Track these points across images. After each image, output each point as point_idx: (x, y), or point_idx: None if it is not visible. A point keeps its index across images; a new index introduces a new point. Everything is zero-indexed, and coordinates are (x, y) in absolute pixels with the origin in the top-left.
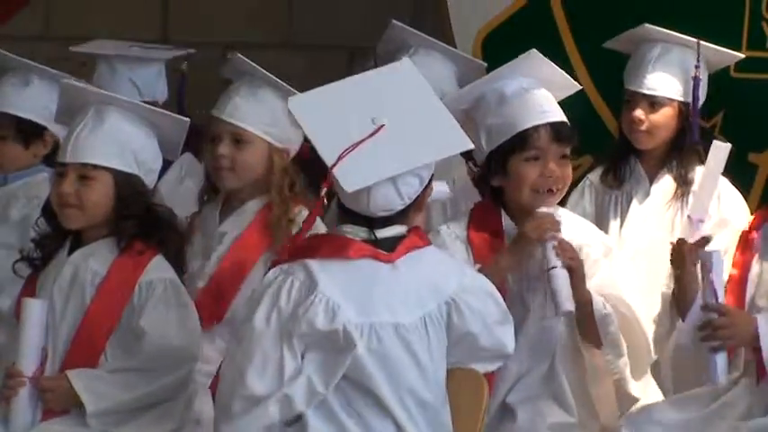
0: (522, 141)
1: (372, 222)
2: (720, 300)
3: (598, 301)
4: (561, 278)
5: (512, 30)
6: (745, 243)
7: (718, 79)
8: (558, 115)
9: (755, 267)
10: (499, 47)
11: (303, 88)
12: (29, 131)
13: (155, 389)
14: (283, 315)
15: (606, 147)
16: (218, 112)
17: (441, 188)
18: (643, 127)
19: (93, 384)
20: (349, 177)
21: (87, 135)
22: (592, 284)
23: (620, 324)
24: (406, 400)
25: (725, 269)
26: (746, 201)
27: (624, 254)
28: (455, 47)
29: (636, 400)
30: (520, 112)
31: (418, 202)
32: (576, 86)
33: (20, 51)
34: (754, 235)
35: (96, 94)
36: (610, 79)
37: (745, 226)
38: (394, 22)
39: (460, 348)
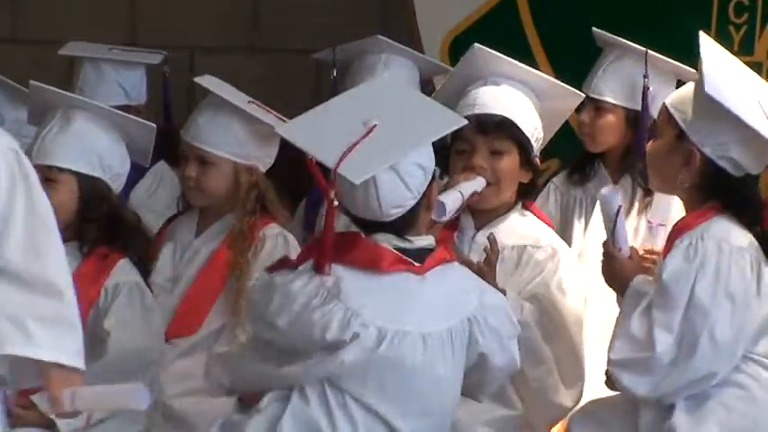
0: (453, 135)
1: (396, 230)
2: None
3: (511, 305)
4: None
5: (479, 34)
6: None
7: (684, 83)
8: (491, 108)
9: None
10: (466, 51)
11: (268, 92)
12: None
13: None
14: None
15: (572, 150)
16: (184, 134)
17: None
18: (586, 130)
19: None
20: (354, 171)
21: (53, 137)
22: (529, 287)
23: (546, 330)
24: (409, 407)
25: None
26: None
27: (588, 256)
28: (422, 51)
29: (567, 408)
30: (459, 108)
31: (427, 199)
32: (539, 74)
33: None
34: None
35: (64, 96)
36: (576, 81)
37: None
38: (378, 37)
39: (476, 370)
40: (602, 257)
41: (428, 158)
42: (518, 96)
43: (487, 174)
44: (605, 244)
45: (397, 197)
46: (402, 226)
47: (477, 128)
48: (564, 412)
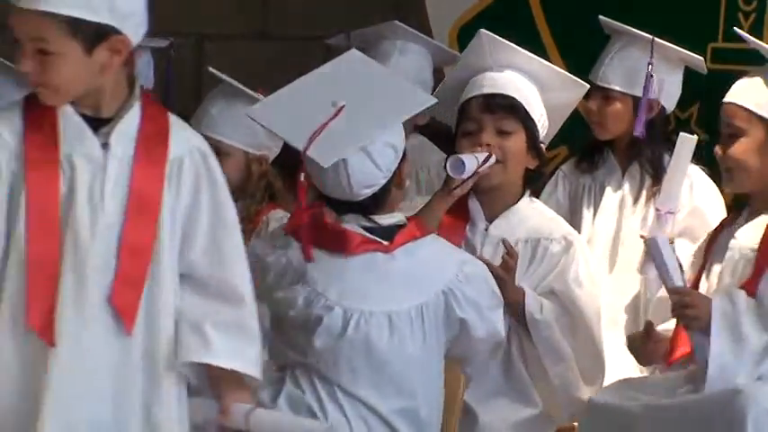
0: (460, 116)
1: (366, 209)
2: (679, 282)
3: (531, 305)
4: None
5: (487, 22)
6: (706, 250)
7: (694, 71)
8: (497, 88)
9: (705, 276)
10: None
11: (278, 78)
12: None
13: None
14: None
15: (581, 138)
16: (196, 125)
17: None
18: (595, 118)
19: None
20: (323, 154)
21: None
22: (545, 282)
23: (565, 326)
24: (385, 389)
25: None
26: (721, 191)
27: (597, 243)
28: (432, 37)
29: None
30: (465, 92)
31: (398, 176)
32: (544, 63)
33: None
34: (713, 242)
35: None
36: (585, 70)
37: (719, 216)
38: (395, 22)
39: (459, 341)
40: (672, 305)
41: (398, 137)
42: (524, 82)
43: (495, 151)
44: (670, 291)
45: (367, 177)
46: (373, 204)
47: (484, 107)
48: (585, 408)
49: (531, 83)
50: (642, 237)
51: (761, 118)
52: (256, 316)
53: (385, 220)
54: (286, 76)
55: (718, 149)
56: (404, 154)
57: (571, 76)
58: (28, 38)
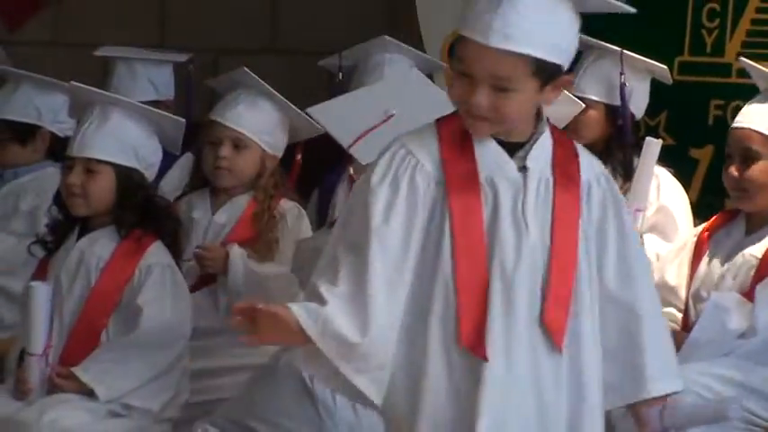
0: None
1: None
2: None
3: None
4: None
5: None
6: (699, 246)
7: (662, 82)
8: None
9: (703, 268)
10: None
11: (287, 90)
12: (22, 131)
13: (155, 369)
14: None
15: None
16: (221, 118)
17: None
18: (571, 125)
19: (101, 376)
20: (364, 154)
21: (93, 132)
22: None
23: None
24: None
25: (662, 249)
26: (688, 191)
27: None
28: (423, 50)
29: None
30: None
31: None
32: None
33: (31, 56)
34: (706, 239)
35: (101, 94)
36: None
37: (684, 213)
38: (386, 37)
39: None
40: None
41: None
42: None
43: None
44: None
45: None
46: None
47: None
48: None
49: None
50: None
51: None
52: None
53: None
54: (293, 88)
55: (733, 171)
56: None
57: (569, 94)
58: (488, 74)
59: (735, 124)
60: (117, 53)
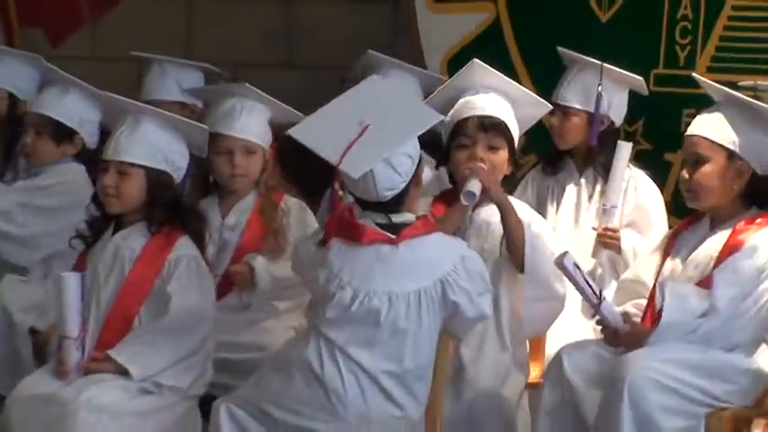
0: (456, 132)
1: (388, 206)
2: (592, 297)
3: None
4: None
5: (472, 53)
6: (668, 243)
7: (639, 92)
8: (489, 111)
9: (669, 261)
10: (462, 66)
11: (302, 102)
12: (62, 132)
13: (183, 351)
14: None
15: (547, 147)
16: (229, 130)
17: (425, 173)
18: (556, 131)
19: (134, 357)
20: (353, 167)
21: (125, 138)
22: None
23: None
24: (376, 353)
25: (642, 243)
26: (663, 191)
27: (558, 230)
28: (425, 66)
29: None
30: (458, 110)
31: (416, 178)
32: (518, 86)
33: (71, 69)
34: (675, 237)
35: (132, 104)
36: (549, 91)
37: (659, 210)
38: (369, 51)
39: (454, 321)
40: (606, 338)
41: (414, 148)
42: (504, 104)
43: (486, 164)
44: (604, 331)
45: (390, 183)
46: (394, 202)
47: (479, 126)
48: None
49: (508, 102)
50: (594, 228)
51: (722, 147)
52: None
53: (398, 218)
54: (307, 99)
55: (684, 173)
56: (420, 159)
57: (537, 96)
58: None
59: (687, 132)
60: (151, 54)
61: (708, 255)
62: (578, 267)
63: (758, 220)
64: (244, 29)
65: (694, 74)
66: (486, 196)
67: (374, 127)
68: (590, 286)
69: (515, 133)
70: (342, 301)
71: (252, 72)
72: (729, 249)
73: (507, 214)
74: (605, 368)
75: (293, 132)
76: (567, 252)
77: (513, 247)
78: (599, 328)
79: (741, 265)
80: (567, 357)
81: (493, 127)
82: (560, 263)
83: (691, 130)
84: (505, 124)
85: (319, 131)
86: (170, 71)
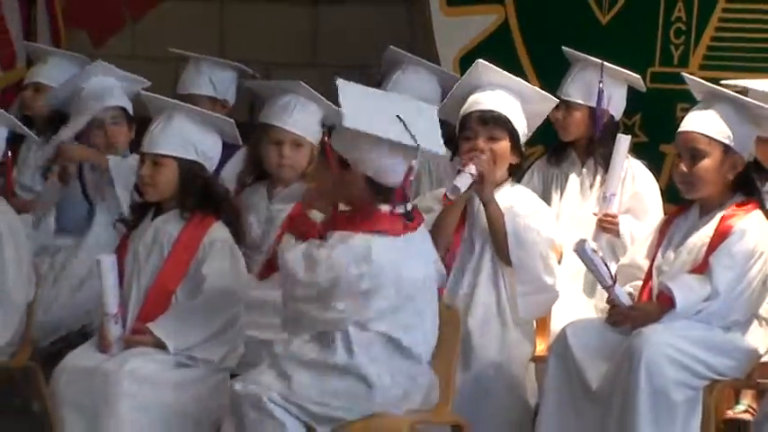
0: (461, 126)
1: (397, 195)
2: (607, 279)
3: (508, 219)
4: (464, 174)
5: (482, 52)
6: (662, 230)
7: (636, 89)
8: (490, 106)
9: (664, 246)
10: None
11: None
12: (130, 119)
13: (216, 327)
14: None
15: (552, 139)
16: (281, 123)
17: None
18: (560, 124)
19: (171, 333)
20: (353, 117)
21: (159, 132)
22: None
23: (521, 231)
24: (379, 321)
25: (639, 228)
26: (658, 180)
27: (562, 217)
28: (440, 64)
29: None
30: (465, 107)
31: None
32: (523, 83)
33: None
34: (668, 224)
35: (166, 101)
36: (554, 87)
37: (655, 198)
38: (391, 47)
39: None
40: (614, 317)
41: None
42: (509, 99)
43: (486, 153)
44: (608, 302)
45: (397, 174)
46: (405, 197)
47: (479, 120)
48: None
49: (515, 98)
50: (595, 214)
51: (719, 142)
52: None
53: (407, 206)
54: (329, 97)
55: (682, 167)
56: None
57: (544, 92)
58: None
59: (682, 128)
60: (189, 52)
61: (700, 240)
62: (596, 252)
63: (746, 206)
64: (272, 30)
65: (683, 72)
66: (481, 185)
67: (404, 117)
68: (608, 269)
69: (520, 125)
70: (386, 290)
71: (282, 71)
72: (720, 235)
73: (490, 211)
74: (610, 341)
75: (346, 124)
76: (585, 240)
77: (496, 242)
78: (600, 306)
79: (735, 249)
80: (572, 332)
81: (493, 120)
82: (579, 250)
83: (686, 126)
84: (506, 117)
85: (360, 98)
86: (204, 68)
